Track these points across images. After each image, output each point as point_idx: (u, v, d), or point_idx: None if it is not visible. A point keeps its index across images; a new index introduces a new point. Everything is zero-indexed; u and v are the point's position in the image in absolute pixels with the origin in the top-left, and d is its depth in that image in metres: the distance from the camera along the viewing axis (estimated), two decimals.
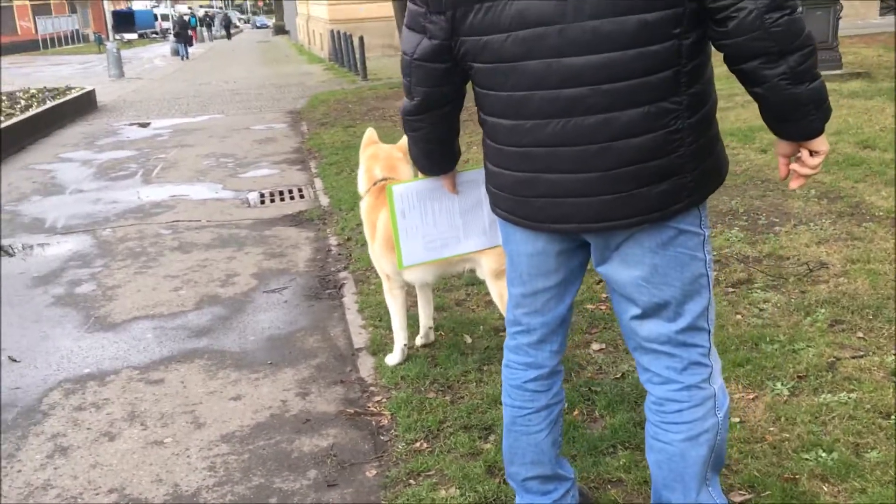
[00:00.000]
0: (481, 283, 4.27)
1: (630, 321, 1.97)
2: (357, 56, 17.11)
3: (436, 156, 2.22)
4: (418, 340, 3.64)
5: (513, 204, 1.96)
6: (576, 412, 2.94)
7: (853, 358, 3.14)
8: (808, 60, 1.62)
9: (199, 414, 3.20)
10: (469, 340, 3.62)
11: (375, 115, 11.11)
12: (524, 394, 2.16)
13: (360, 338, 3.81)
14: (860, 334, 3.33)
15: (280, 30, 49.81)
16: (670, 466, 1.99)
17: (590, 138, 1.75)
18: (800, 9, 1.62)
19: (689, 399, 1.94)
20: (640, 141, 1.73)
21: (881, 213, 4.89)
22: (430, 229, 2.35)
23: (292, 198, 6.87)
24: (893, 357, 3.11)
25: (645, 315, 1.93)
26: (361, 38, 16.60)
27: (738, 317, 3.60)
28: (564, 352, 2.21)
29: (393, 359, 3.46)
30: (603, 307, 3.85)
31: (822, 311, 3.56)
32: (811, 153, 1.77)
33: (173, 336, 3.98)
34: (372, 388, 3.31)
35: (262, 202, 6.78)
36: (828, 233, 4.60)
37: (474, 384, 3.22)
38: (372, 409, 3.15)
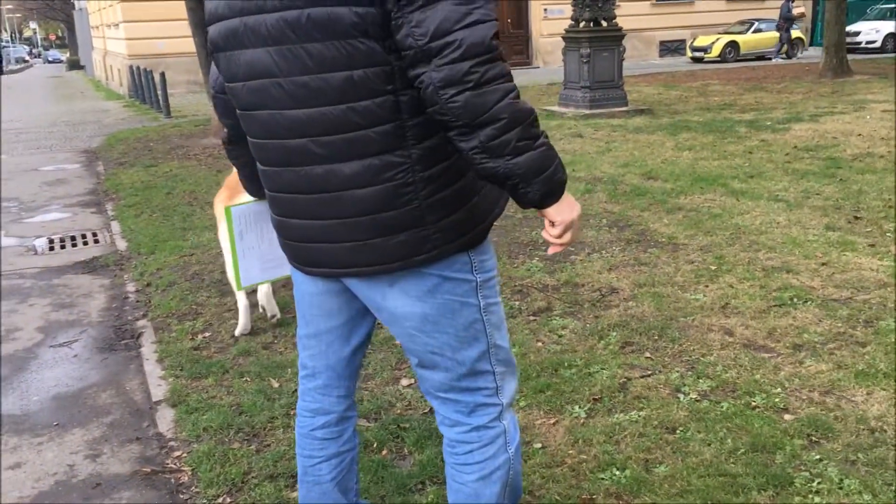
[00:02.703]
0: (290, 323, 4.19)
1: (416, 368, 1.98)
2: (159, 93, 16.44)
3: (257, 180, 2.16)
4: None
5: (281, 244, 1.98)
6: (384, 451, 2.92)
7: (642, 377, 3.34)
8: (505, 135, 1.56)
9: None
10: (276, 384, 3.52)
11: (179, 153, 10.69)
12: (313, 442, 2.12)
13: (158, 390, 3.59)
14: (647, 354, 3.56)
15: (75, 65, 46.94)
16: None
17: (321, 187, 1.75)
18: (493, 83, 1.54)
19: (478, 440, 1.96)
20: (367, 193, 1.71)
21: (664, 240, 5.28)
22: (266, 249, 2.31)
23: (86, 243, 6.43)
24: (677, 374, 3.34)
25: (423, 365, 1.93)
26: (163, 74, 15.99)
27: (539, 344, 3.74)
28: (354, 396, 2.18)
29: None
30: None
31: (614, 334, 3.78)
32: (552, 224, 1.72)
33: None
34: (172, 443, 3.12)
35: (52, 249, 6.29)
36: (618, 259, 4.91)
37: (281, 430, 3.12)
38: (171, 465, 2.97)
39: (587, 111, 12.04)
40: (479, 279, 1.87)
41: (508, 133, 1.57)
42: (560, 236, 1.73)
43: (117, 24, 23.41)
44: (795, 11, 22.85)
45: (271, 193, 1.88)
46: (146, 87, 18.87)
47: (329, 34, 1.60)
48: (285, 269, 2.39)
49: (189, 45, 21.68)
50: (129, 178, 9.08)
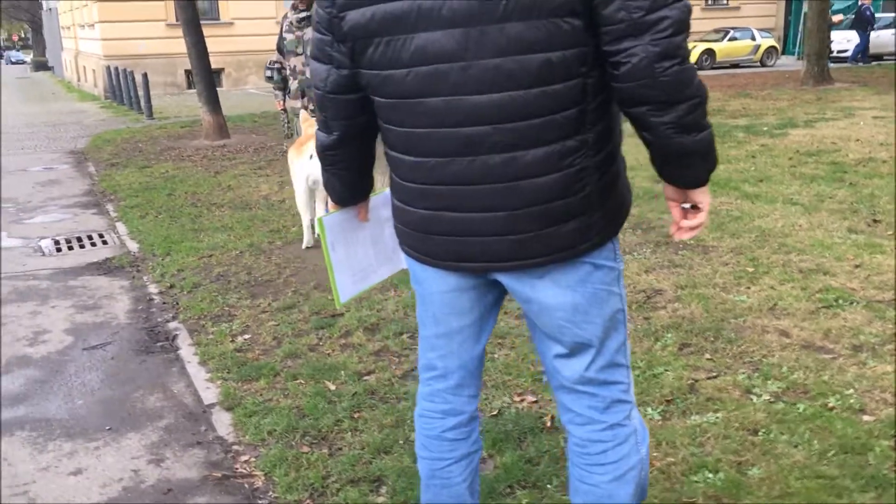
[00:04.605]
0: (332, 325, 4.10)
1: (553, 360, 1.92)
2: (141, 94, 16.18)
3: (354, 186, 2.07)
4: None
5: (417, 241, 1.88)
6: None
7: (708, 378, 3.31)
8: (696, 111, 1.61)
9: (36, 494, 2.75)
10: (332, 387, 3.43)
11: (171, 154, 10.51)
12: (443, 444, 2.04)
13: (209, 393, 3.49)
14: (708, 355, 3.53)
15: (41, 66, 46.06)
16: None
17: (494, 177, 1.69)
18: (689, 59, 1.60)
19: (612, 438, 1.91)
20: (545, 181, 1.68)
21: (692, 242, 5.27)
22: (353, 261, 2.19)
23: (94, 244, 6.27)
24: (744, 375, 3.31)
25: (569, 354, 1.89)
26: (145, 75, 15.72)
27: None
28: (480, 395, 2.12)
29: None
30: None
31: (669, 335, 3.74)
32: (692, 207, 1.77)
33: None
34: (235, 448, 3.02)
35: (59, 250, 6.12)
36: (651, 261, 4.89)
37: (350, 433, 3.04)
38: (241, 470, 2.87)
39: None
40: (619, 268, 1.87)
41: (698, 111, 1.61)
42: (704, 218, 1.77)
43: (92, 25, 23.03)
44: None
45: (424, 186, 1.78)
46: (124, 88, 18.59)
47: (533, 13, 1.55)
48: (369, 280, 2.30)
49: (167, 46, 21.59)
50: (125, 179, 8.89)
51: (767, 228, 5.54)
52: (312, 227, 5.55)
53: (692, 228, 1.78)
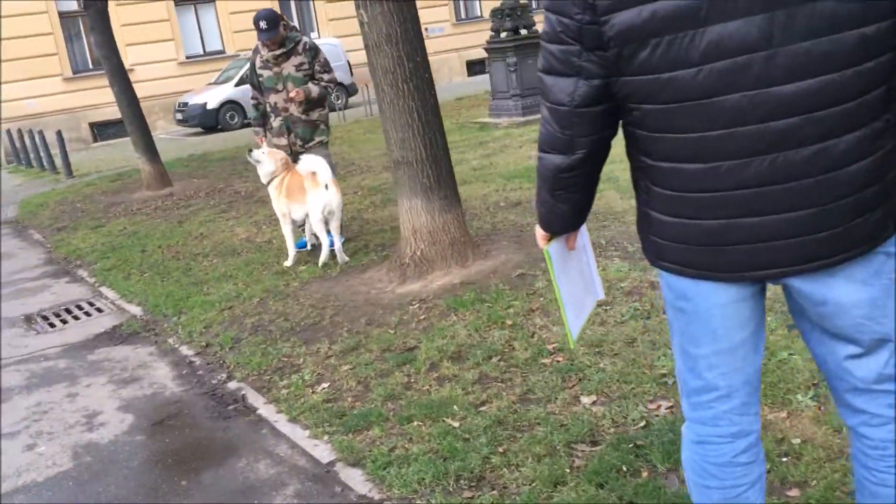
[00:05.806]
0: (413, 360, 3.88)
1: (844, 361, 1.80)
2: (55, 153, 15.37)
3: (582, 210, 1.92)
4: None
5: (697, 255, 1.74)
6: (644, 473, 2.71)
7: None
8: None
9: None
10: (456, 424, 3.23)
11: (119, 210, 9.96)
12: (736, 469, 1.90)
13: (320, 451, 3.24)
14: None
15: None
16: None
17: (803, 173, 1.58)
18: None
19: None
20: (858, 168, 1.58)
21: None
22: (572, 294, 2.01)
23: (88, 314, 5.82)
24: None
25: (864, 353, 1.77)
26: (59, 133, 14.92)
27: None
28: None
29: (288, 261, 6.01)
30: (560, 359, 3.67)
31: (768, 318, 3.70)
32: None
33: None
34: None
35: (52, 325, 5.66)
36: None
37: (507, 470, 2.86)
38: None
39: (521, 118, 12.15)
40: None
41: None
42: None
43: None
44: None
45: (714, 194, 1.64)
46: (31, 149, 17.64)
47: None
48: (585, 312, 2.13)
49: (67, 101, 20.68)
50: (83, 241, 8.36)
51: None
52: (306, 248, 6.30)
53: None
